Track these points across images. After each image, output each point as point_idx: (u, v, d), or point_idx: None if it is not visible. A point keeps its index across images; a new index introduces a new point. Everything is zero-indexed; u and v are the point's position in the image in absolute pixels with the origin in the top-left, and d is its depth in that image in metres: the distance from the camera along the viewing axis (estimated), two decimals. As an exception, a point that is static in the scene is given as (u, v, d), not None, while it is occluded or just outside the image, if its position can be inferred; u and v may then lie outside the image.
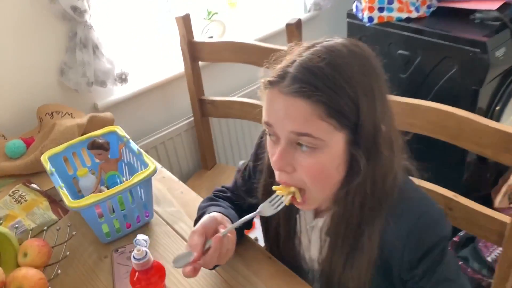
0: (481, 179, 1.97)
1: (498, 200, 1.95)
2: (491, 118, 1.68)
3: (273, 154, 0.71)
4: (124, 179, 1.18)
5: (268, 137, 0.74)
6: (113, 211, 1.01)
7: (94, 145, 1.10)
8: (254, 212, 0.81)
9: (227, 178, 1.78)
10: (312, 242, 0.87)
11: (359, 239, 0.75)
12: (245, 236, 1.01)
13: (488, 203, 1.99)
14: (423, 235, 0.73)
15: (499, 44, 1.52)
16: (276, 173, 0.73)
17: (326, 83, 0.64)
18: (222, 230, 0.78)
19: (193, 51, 1.60)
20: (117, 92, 1.60)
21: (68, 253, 0.95)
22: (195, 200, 1.14)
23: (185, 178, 1.85)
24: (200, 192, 1.72)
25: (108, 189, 1.13)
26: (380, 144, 0.69)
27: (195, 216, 1.08)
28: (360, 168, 0.69)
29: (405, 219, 0.73)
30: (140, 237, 0.79)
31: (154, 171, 1.00)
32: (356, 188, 0.71)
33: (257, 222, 1.04)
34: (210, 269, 0.88)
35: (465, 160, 1.75)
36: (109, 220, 1.00)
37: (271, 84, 0.68)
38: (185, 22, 1.55)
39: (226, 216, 0.86)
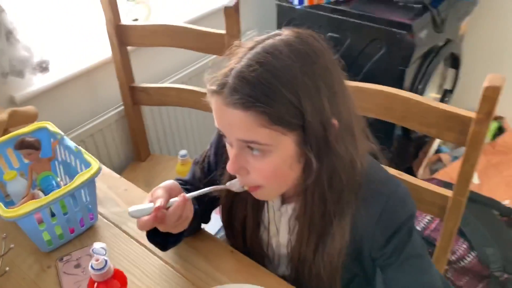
0: (404, 153, 2.10)
1: (420, 173, 2.10)
2: (414, 96, 1.78)
3: (230, 153, 0.72)
4: (59, 179, 1.07)
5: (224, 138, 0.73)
6: (54, 216, 0.91)
7: (23, 145, 0.99)
8: (222, 186, 0.79)
9: (164, 169, 1.71)
10: (281, 228, 0.86)
11: (327, 229, 0.76)
12: (202, 231, 0.97)
13: (411, 175, 2.14)
14: (393, 215, 0.75)
15: (422, 26, 1.61)
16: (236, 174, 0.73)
17: (264, 92, 0.62)
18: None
19: (121, 36, 1.49)
20: (37, 82, 1.44)
21: (7, 268, 0.84)
22: (142, 197, 1.06)
23: (117, 172, 1.72)
24: (137, 186, 1.63)
25: (42, 191, 1.02)
26: (331, 140, 0.68)
27: (144, 214, 1.01)
28: (312, 167, 0.69)
29: (374, 202, 0.75)
30: (97, 245, 0.72)
31: (99, 171, 0.91)
32: (313, 185, 0.72)
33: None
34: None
35: (392, 136, 1.85)
36: (50, 227, 0.90)
37: (213, 93, 0.67)
38: (112, 4, 1.43)
39: None
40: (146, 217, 0.70)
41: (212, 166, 0.91)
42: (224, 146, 0.85)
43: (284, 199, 0.84)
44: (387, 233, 0.76)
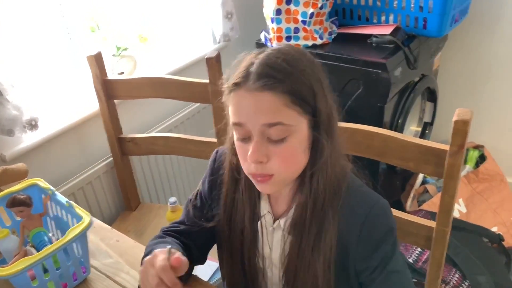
0: (391, 186, 2.13)
1: (408, 205, 2.13)
2: (395, 130, 1.84)
3: (245, 151, 0.75)
4: (51, 234, 1.08)
5: (237, 138, 0.77)
6: (46, 272, 0.92)
7: (15, 202, 1.01)
8: None
9: (154, 217, 1.72)
10: (274, 244, 0.88)
11: (324, 222, 0.79)
12: (195, 277, 0.98)
13: (399, 208, 2.17)
14: (375, 225, 0.79)
15: (396, 64, 1.68)
16: (251, 166, 0.76)
17: (287, 76, 0.71)
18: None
19: (108, 90, 1.54)
20: (27, 140, 1.47)
21: (1, 329, 0.84)
22: (134, 247, 1.09)
23: (108, 222, 1.73)
24: (128, 236, 1.64)
25: (35, 248, 1.03)
26: (334, 126, 0.79)
27: (136, 264, 1.03)
28: (323, 148, 0.76)
29: (357, 211, 0.79)
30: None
31: (90, 224, 0.93)
32: (320, 168, 0.77)
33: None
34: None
35: (378, 171, 1.89)
36: (43, 283, 0.91)
37: (236, 85, 0.73)
38: (97, 61, 1.49)
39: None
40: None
41: (206, 197, 0.95)
42: (220, 166, 0.90)
43: (276, 217, 0.87)
44: (371, 244, 0.79)
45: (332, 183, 0.79)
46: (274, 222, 0.87)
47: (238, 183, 0.87)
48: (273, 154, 0.74)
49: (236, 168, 0.86)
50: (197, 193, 0.97)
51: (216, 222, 0.91)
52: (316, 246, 0.80)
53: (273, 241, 0.88)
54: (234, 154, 0.83)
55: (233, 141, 0.83)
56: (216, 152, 0.96)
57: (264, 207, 0.87)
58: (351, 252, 0.81)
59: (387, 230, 0.80)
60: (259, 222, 0.88)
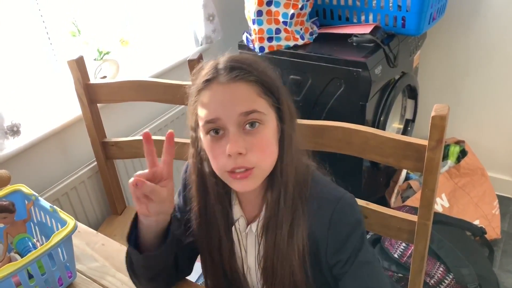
0: (375, 183, 2.16)
1: (392, 201, 2.16)
2: (377, 127, 1.87)
3: (219, 147, 0.75)
4: (35, 240, 1.08)
5: (209, 138, 0.76)
6: (31, 278, 0.92)
7: (-3, 209, 1.00)
8: None
9: (141, 220, 1.71)
10: (248, 249, 0.89)
11: (295, 215, 0.81)
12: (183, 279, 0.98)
13: (384, 204, 2.20)
14: (343, 219, 0.81)
15: (376, 63, 1.71)
16: (229, 162, 0.74)
17: (255, 68, 0.76)
18: None
19: (90, 94, 1.54)
20: (9, 146, 1.46)
21: (-14, 336, 0.84)
22: (120, 250, 1.09)
23: (94, 227, 1.73)
24: (114, 240, 1.63)
25: (19, 254, 1.03)
26: (295, 120, 0.83)
27: (122, 267, 1.03)
28: (291, 139, 0.80)
29: (325, 205, 0.81)
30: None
31: (75, 228, 0.93)
32: (289, 163, 0.80)
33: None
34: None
35: (361, 168, 1.92)
36: (28, 289, 0.90)
37: (208, 81, 0.75)
38: (79, 65, 1.48)
39: None
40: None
41: (182, 210, 0.95)
42: (187, 193, 0.90)
43: (249, 220, 0.88)
44: (340, 238, 0.81)
45: (298, 175, 0.82)
46: (247, 226, 0.87)
47: (208, 196, 0.86)
48: (251, 145, 0.74)
49: (204, 181, 0.85)
50: (175, 206, 0.96)
51: (194, 237, 0.90)
52: (290, 239, 0.81)
53: (247, 246, 0.89)
54: (201, 166, 0.84)
55: (196, 156, 0.84)
56: (187, 167, 0.94)
57: (237, 212, 0.87)
58: (322, 247, 0.82)
59: (354, 222, 0.82)
60: (233, 228, 0.88)
